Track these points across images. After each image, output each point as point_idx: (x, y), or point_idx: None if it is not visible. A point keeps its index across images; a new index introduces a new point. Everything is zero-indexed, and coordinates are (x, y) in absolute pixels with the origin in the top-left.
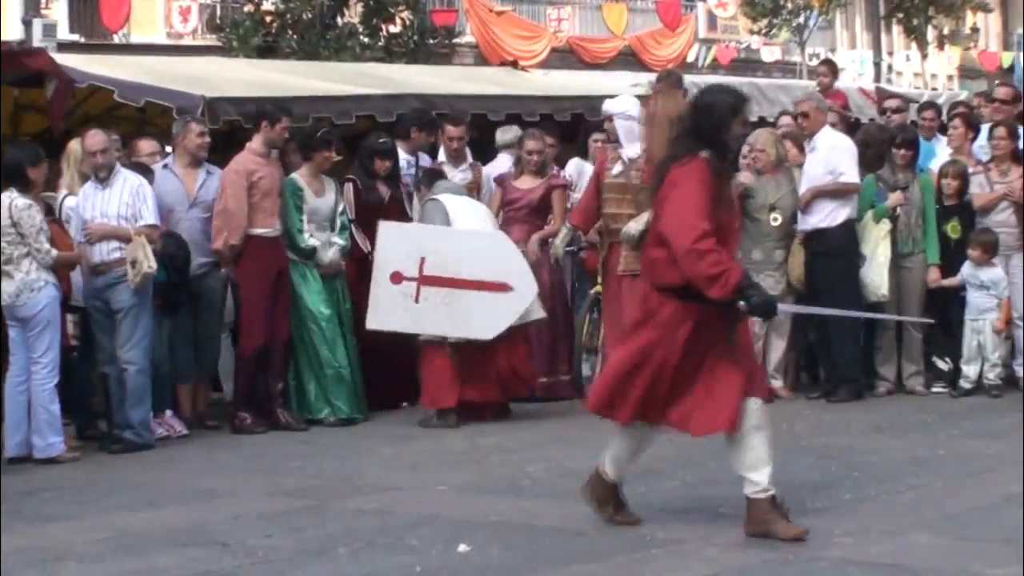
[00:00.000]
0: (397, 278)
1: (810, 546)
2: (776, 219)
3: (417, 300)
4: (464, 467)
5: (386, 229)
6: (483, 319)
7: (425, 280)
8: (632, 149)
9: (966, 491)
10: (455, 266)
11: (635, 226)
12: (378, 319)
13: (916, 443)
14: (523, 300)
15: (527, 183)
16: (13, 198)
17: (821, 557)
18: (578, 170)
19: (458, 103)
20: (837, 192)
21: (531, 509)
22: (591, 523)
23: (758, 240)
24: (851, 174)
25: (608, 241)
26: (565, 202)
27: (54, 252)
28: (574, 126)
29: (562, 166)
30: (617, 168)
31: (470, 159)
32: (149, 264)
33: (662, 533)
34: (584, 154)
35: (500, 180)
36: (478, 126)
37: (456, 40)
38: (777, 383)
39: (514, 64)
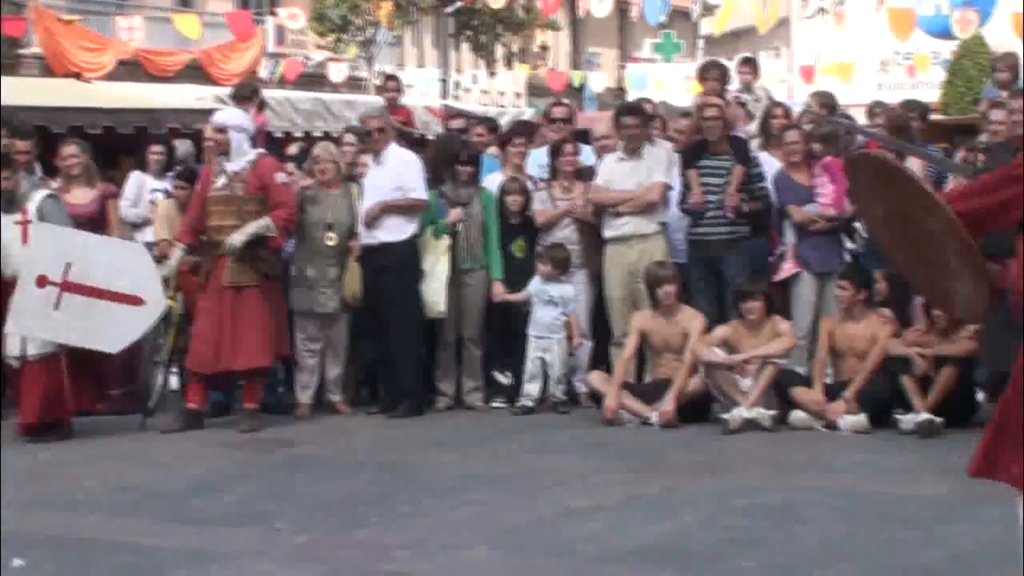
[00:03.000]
0: (42, 281)
1: (367, 558)
2: (332, 239)
3: (57, 307)
4: (25, 483)
5: (38, 230)
6: (113, 331)
7: (68, 287)
8: (238, 162)
9: (525, 506)
10: (98, 275)
11: (239, 237)
12: (19, 323)
13: (475, 458)
14: (152, 315)
15: (80, 197)
16: None
17: (378, 570)
18: (138, 183)
19: (22, 115)
20: (406, 208)
21: (88, 524)
22: (148, 537)
23: (312, 257)
24: (420, 190)
25: (212, 254)
26: (118, 212)
27: None
28: (135, 140)
29: (122, 180)
30: (221, 181)
31: (39, 174)
32: None
33: (221, 547)
34: (145, 168)
35: (53, 195)
36: (41, 140)
37: (22, 51)
38: (336, 398)
39: (77, 76)
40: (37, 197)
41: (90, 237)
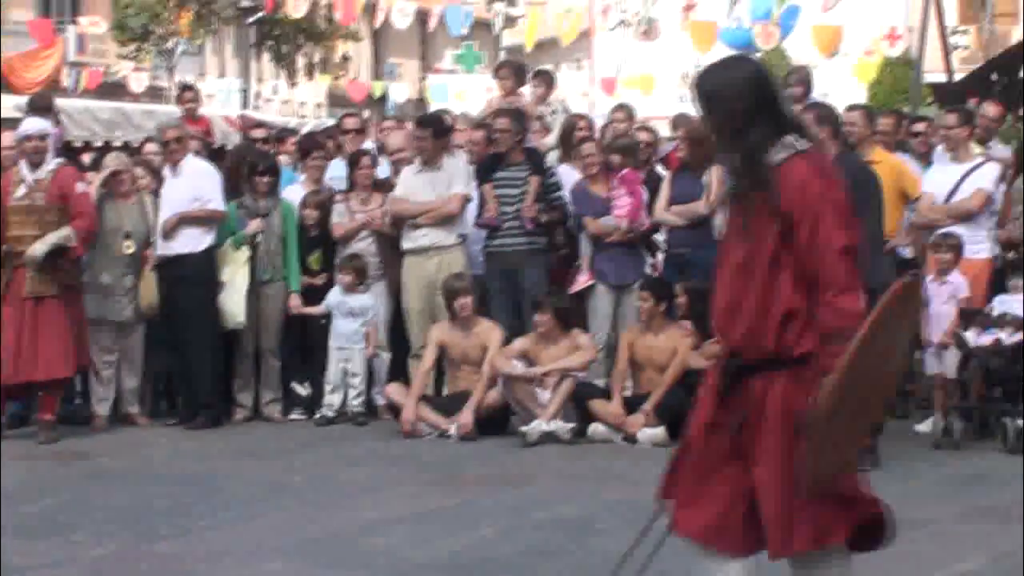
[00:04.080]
0: None
1: (165, 571)
2: (130, 246)
3: None
4: None
5: None
6: None
7: None
8: (41, 171)
9: (325, 517)
10: None
11: (40, 247)
12: None
13: (275, 469)
14: None
15: None
16: None
17: None
18: None
19: None
20: (203, 219)
21: None
22: None
23: (107, 265)
24: (218, 201)
25: (12, 264)
26: None
27: None
28: None
29: None
30: (21, 190)
31: None
32: None
33: (18, 559)
34: None
35: None
36: None
37: None
38: (134, 410)
39: None
40: None
41: None
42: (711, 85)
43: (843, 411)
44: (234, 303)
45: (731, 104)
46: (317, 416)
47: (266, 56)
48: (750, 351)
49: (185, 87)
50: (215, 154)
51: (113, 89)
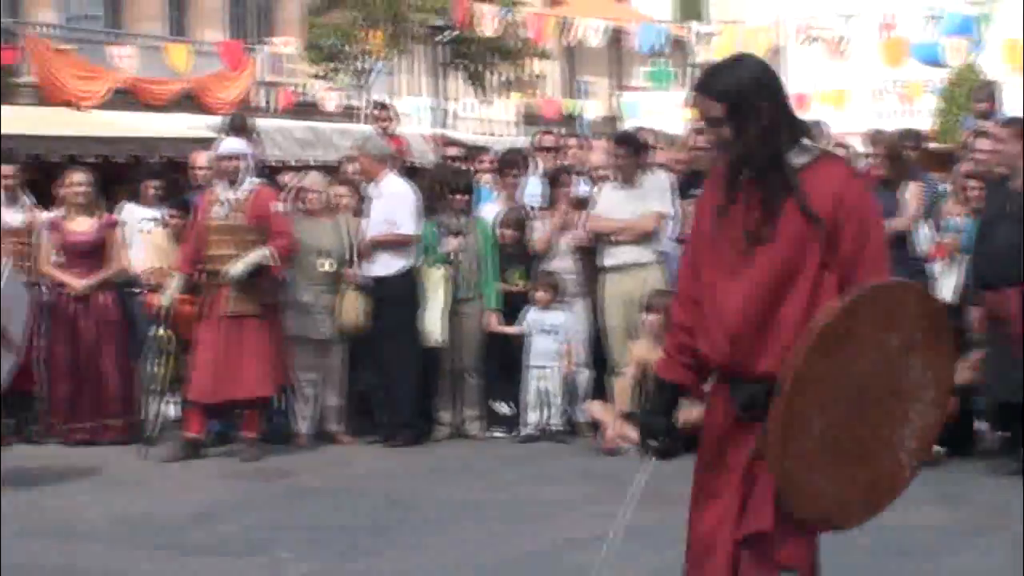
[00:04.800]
0: None
1: None
2: (323, 264)
3: None
4: (20, 510)
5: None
6: None
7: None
8: (239, 191)
9: (524, 536)
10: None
11: (239, 267)
12: None
13: (475, 487)
14: (11, 362)
15: (82, 225)
16: None
17: None
18: (129, 214)
19: (16, 144)
20: (393, 242)
21: (86, 553)
22: (148, 567)
23: (306, 284)
24: (407, 225)
25: (212, 283)
26: (120, 241)
27: None
28: (128, 169)
29: (113, 209)
30: (220, 210)
31: (27, 201)
32: None
33: None
34: (137, 198)
35: (54, 223)
36: (38, 169)
37: (16, 79)
38: (336, 428)
39: (71, 104)
40: None
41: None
42: (733, 82)
43: (808, 433)
44: (432, 321)
45: (757, 101)
46: (516, 434)
47: (458, 74)
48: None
49: (380, 105)
50: (410, 172)
51: (306, 109)
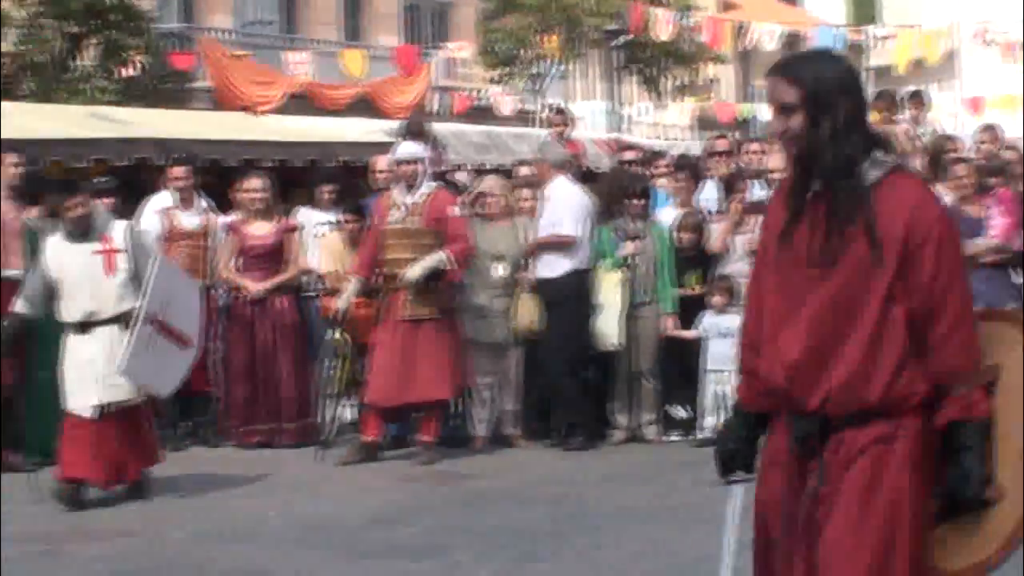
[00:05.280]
0: (152, 320)
1: None
2: (497, 269)
3: (148, 347)
4: (199, 512)
5: (158, 263)
6: (167, 374)
7: (163, 327)
8: (416, 195)
9: (700, 539)
10: (172, 312)
11: (416, 271)
12: (131, 366)
13: (651, 491)
14: (191, 358)
15: (260, 229)
16: None
17: None
18: (305, 218)
19: (194, 148)
20: (555, 244)
21: (265, 556)
22: (325, 571)
23: (482, 287)
24: (568, 227)
25: (389, 287)
26: (298, 245)
27: None
28: (305, 173)
29: (290, 213)
30: (397, 214)
31: (203, 204)
32: None
33: None
34: (314, 202)
35: (232, 227)
36: (213, 172)
37: (192, 84)
38: (512, 431)
39: (247, 109)
40: (120, 227)
41: (164, 270)
42: (816, 70)
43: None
44: (610, 325)
45: (836, 97)
46: (692, 438)
47: (633, 79)
48: (841, 405)
49: (557, 110)
50: (586, 177)
51: (481, 113)
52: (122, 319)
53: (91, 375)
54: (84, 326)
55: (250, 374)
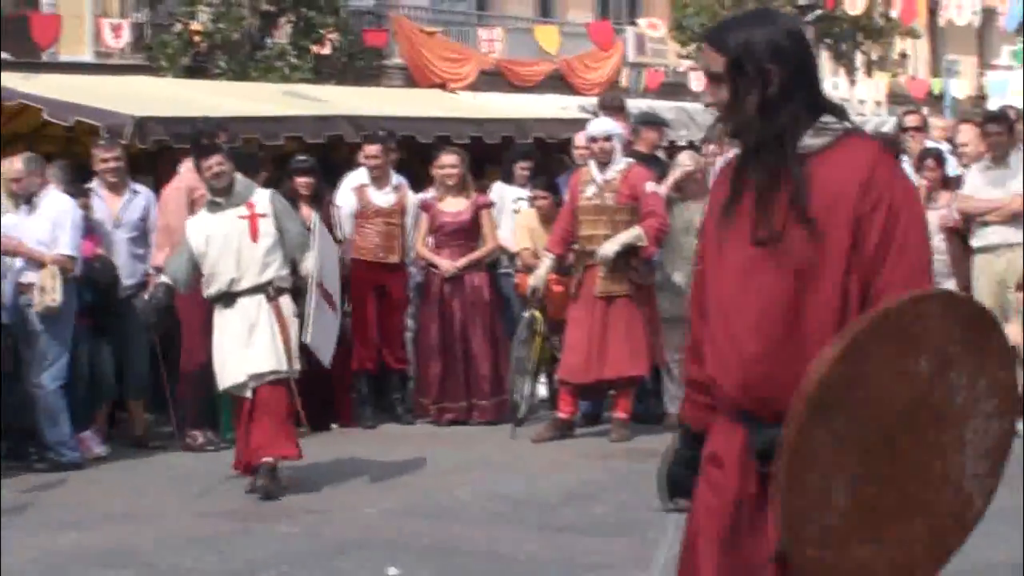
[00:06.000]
0: (321, 290)
1: None
2: (691, 245)
3: (320, 314)
4: (392, 490)
5: (317, 231)
6: (328, 341)
7: (324, 292)
8: (611, 171)
9: None
10: (327, 274)
11: (611, 247)
12: (315, 336)
13: None
14: (338, 323)
15: (454, 206)
16: None
17: None
18: (499, 195)
19: (387, 125)
20: None
21: (460, 533)
22: (520, 548)
23: (678, 263)
24: None
25: (583, 264)
26: (493, 222)
27: None
28: (499, 150)
29: (484, 190)
30: (592, 190)
31: (395, 180)
32: (53, 297)
33: (594, 557)
34: (508, 178)
35: (426, 205)
36: (407, 149)
37: (385, 61)
38: None
39: (443, 86)
40: (264, 194)
41: (323, 232)
42: (743, 36)
43: (829, 508)
44: None
45: (765, 64)
46: None
47: (825, 54)
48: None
49: None
50: None
51: (674, 89)
52: (263, 288)
53: (240, 349)
54: (229, 298)
55: (444, 351)
